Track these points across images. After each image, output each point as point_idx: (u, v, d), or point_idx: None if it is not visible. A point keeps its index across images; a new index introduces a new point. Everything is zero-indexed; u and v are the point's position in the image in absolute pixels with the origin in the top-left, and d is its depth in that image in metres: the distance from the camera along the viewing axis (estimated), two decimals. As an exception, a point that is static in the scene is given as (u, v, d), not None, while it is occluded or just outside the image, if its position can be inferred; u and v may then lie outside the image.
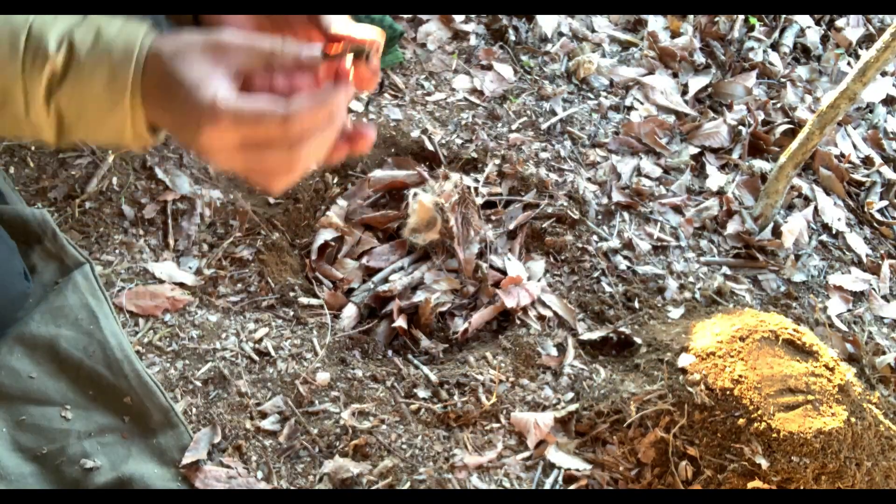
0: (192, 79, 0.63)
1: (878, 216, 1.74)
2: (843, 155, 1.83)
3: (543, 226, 1.43)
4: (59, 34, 0.64)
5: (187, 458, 1.01)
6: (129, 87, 0.64)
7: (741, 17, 2.00)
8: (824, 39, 2.11)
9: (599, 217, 1.49)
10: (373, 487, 1.05)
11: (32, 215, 1.16)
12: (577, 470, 1.12)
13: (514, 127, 1.61)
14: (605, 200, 1.52)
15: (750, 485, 1.06)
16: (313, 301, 1.26)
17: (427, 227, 1.31)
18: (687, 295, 1.40)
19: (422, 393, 1.18)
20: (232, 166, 0.66)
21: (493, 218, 1.44)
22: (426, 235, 1.31)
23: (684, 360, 1.18)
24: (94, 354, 1.07)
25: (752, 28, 2.03)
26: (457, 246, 1.31)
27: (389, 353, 1.24)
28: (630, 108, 1.75)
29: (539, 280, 1.36)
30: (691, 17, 1.98)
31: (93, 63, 0.64)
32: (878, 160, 1.84)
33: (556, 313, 1.32)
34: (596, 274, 1.39)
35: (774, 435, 1.07)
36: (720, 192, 1.62)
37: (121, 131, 0.67)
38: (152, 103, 0.65)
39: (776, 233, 1.59)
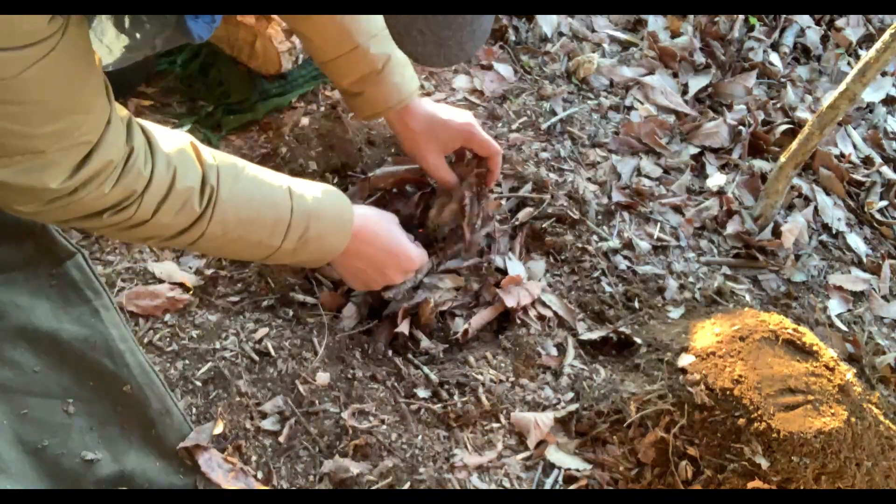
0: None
1: (878, 216, 1.74)
2: (843, 155, 1.83)
3: (543, 226, 1.43)
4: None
5: (188, 442, 1.02)
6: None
7: (741, 17, 2.00)
8: (824, 39, 2.11)
9: (599, 217, 1.49)
10: (373, 487, 1.05)
11: None
12: (577, 470, 1.12)
13: (514, 127, 1.61)
14: (605, 200, 1.52)
15: (750, 485, 1.06)
16: (313, 301, 1.26)
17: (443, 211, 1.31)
18: (687, 295, 1.40)
19: (422, 393, 1.18)
20: (361, 281, 1.20)
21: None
22: (440, 219, 1.31)
23: (684, 360, 1.18)
24: (95, 345, 1.08)
25: (752, 28, 2.03)
26: (466, 226, 1.29)
27: (389, 353, 1.24)
28: (630, 108, 1.75)
29: (539, 280, 1.36)
30: (691, 17, 1.98)
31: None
32: (878, 160, 1.84)
33: (556, 313, 1.32)
34: (596, 274, 1.39)
35: (774, 435, 1.07)
36: (720, 192, 1.62)
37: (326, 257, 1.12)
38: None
39: (776, 233, 1.59)
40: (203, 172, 0.94)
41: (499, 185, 1.48)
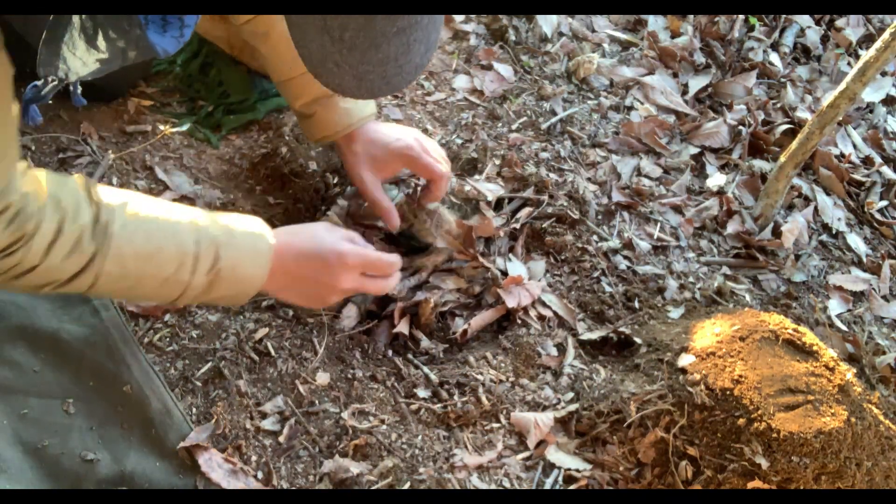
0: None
1: (878, 216, 1.74)
2: (843, 155, 1.83)
3: (543, 226, 1.43)
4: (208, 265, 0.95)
5: (188, 442, 1.02)
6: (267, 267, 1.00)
7: (741, 17, 2.00)
8: (824, 39, 2.11)
9: (599, 217, 1.49)
10: (373, 487, 1.05)
11: None
12: (577, 470, 1.12)
13: (514, 127, 1.61)
14: (605, 200, 1.52)
15: (750, 485, 1.06)
16: (313, 301, 1.26)
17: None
18: (687, 295, 1.40)
19: (422, 393, 1.18)
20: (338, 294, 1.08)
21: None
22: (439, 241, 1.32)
23: (684, 360, 1.18)
24: (95, 345, 1.08)
25: (752, 28, 2.03)
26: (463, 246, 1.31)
27: (389, 353, 1.24)
28: (630, 108, 1.75)
29: (539, 280, 1.36)
30: (691, 17, 1.98)
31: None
32: (878, 160, 1.84)
33: (556, 313, 1.32)
34: (596, 274, 1.39)
35: (774, 435, 1.07)
36: (720, 192, 1.62)
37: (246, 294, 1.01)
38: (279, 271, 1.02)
39: (776, 233, 1.59)
40: (95, 210, 0.89)
41: (501, 185, 1.48)
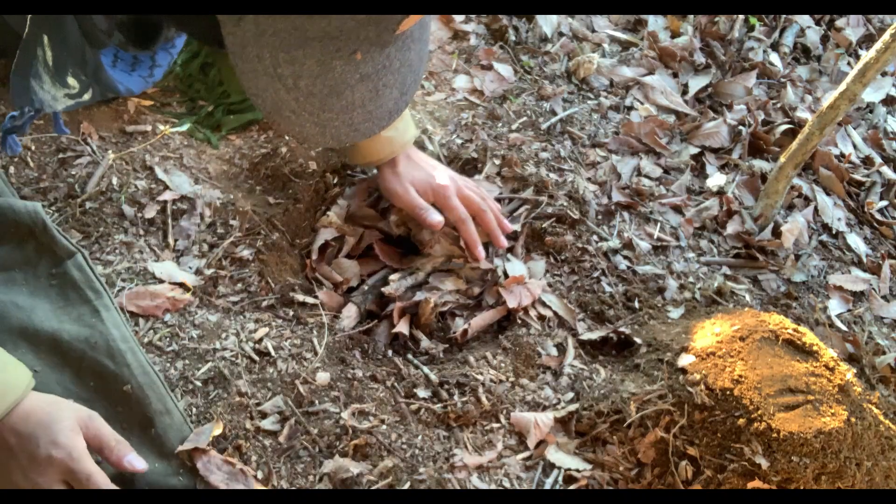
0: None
1: (878, 216, 1.74)
2: (843, 155, 1.83)
3: (543, 226, 1.43)
4: None
5: (187, 445, 1.02)
6: None
7: (741, 17, 2.00)
8: (824, 39, 2.11)
9: (599, 217, 1.49)
10: (373, 487, 1.05)
11: (24, 208, 1.16)
12: (577, 470, 1.12)
13: (514, 127, 1.61)
14: (605, 200, 1.52)
15: (750, 485, 1.06)
16: (313, 301, 1.26)
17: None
18: (687, 295, 1.40)
19: (422, 393, 1.18)
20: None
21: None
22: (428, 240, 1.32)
23: (684, 360, 1.18)
24: (96, 345, 1.08)
25: (752, 28, 2.03)
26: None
27: (389, 353, 1.24)
28: (630, 108, 1.75)
29: (539, 280, 1.36)
30: (691, 17, 1.98)
31: None
32: (878, 160, 1.84)
33: (556, 313, 1.32)
34: (596, 274, 1.39)
35: (774, 435, 1.07)
36: (720, 192, 1.62)
37: None
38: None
39: (776, 233, 1.59)
40: None
41: (500, 185, 1.48)
